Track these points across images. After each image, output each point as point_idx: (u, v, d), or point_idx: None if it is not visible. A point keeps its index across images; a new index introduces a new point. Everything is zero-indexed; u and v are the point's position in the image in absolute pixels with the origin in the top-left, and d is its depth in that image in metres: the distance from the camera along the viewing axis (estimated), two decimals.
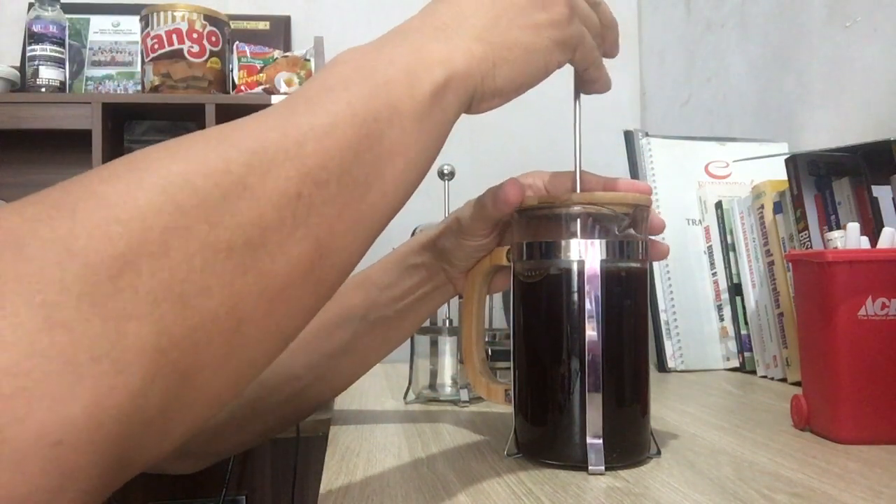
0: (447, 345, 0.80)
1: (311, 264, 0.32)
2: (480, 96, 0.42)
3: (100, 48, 1.54)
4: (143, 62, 1.38)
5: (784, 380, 0.89)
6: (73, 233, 0.25)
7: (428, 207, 0.85)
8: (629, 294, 0.52)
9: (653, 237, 0.56)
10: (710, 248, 1.04)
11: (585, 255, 0.50)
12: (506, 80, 0.42)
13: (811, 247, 0.82)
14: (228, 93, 1.41)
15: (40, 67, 1.37)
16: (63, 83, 1.40)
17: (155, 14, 1.35)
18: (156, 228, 0.26)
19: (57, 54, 1.39)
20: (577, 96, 0.54)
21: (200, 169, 0.29)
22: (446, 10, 0.42)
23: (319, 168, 0.32)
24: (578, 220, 0.51)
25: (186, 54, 1.34)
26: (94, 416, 0.24)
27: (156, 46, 1.34)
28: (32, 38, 1.38)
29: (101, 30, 1.55)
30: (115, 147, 1.43)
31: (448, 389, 0.80)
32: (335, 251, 0.33)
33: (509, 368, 0.55)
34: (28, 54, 1.39)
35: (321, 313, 0.63)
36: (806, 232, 0.83)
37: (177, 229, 0.27)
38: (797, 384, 0.82)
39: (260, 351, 0.31)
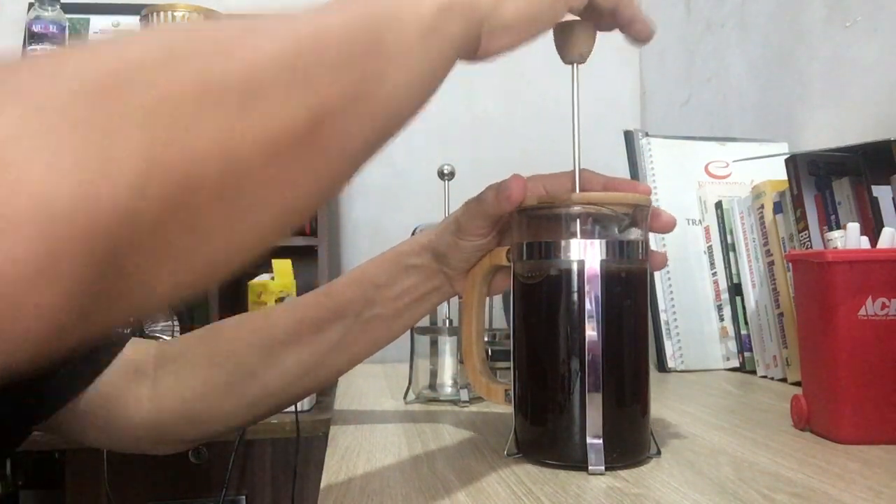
0: (447, 345, 0.80)
1: (309, 128, 0.32)
2: (490, 28, 0.41)
3: None
4: None
5: (784, 380, 0.89)
6: (64, 57, 0.27)
7: (428, 207, 0.85)
8: (629, 294, 0.52)
9: (656, 238, 0.56)
10: (710, 248, 1.04)
11: (585, 255, 0.50)
12: (516, 12, 0.42)
13: (811, 247, 0.82)
14: None
15: None
16: None
17: (155, 14, 1.35)
18: (148, 60, 0.28)
19: None
20: (575, 95, 0.53)
21: (194, 35, 0.32)
22: None
23: (313, 38, 0.33)
24: (578, 220, 0.51)
25: None
26: (83, 203, 0.24)
27: None
28: (32, 38, 1.38)
29: (101, 30, 1.55)
30: None
31: (448, 389, 0.80)
32: (335, 126, 0.33)
33: (509, 368, 0.55)
34: (28, 54, 1.39)
35: (316, 308, 0.63)
36: (806, 232, 0.83)
37: (169, 61, 0.28)
38: (797, 384, 0.82)
39: (259, 202, 0.31)
